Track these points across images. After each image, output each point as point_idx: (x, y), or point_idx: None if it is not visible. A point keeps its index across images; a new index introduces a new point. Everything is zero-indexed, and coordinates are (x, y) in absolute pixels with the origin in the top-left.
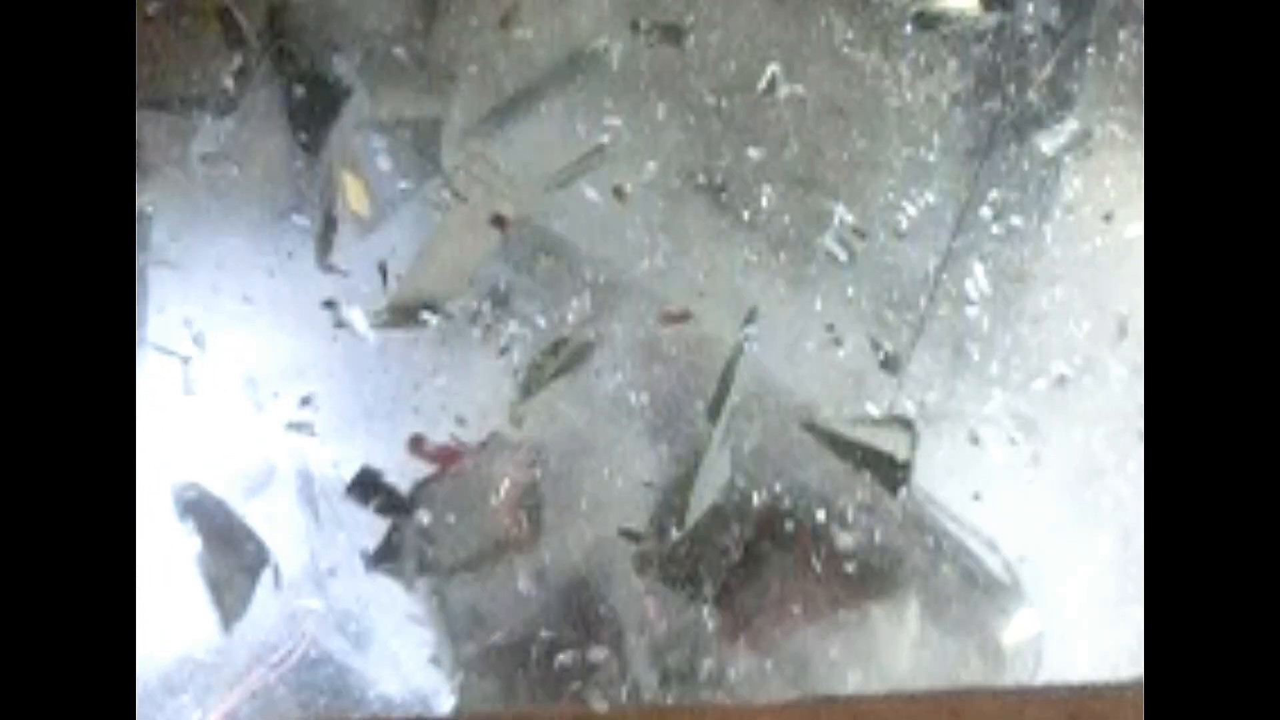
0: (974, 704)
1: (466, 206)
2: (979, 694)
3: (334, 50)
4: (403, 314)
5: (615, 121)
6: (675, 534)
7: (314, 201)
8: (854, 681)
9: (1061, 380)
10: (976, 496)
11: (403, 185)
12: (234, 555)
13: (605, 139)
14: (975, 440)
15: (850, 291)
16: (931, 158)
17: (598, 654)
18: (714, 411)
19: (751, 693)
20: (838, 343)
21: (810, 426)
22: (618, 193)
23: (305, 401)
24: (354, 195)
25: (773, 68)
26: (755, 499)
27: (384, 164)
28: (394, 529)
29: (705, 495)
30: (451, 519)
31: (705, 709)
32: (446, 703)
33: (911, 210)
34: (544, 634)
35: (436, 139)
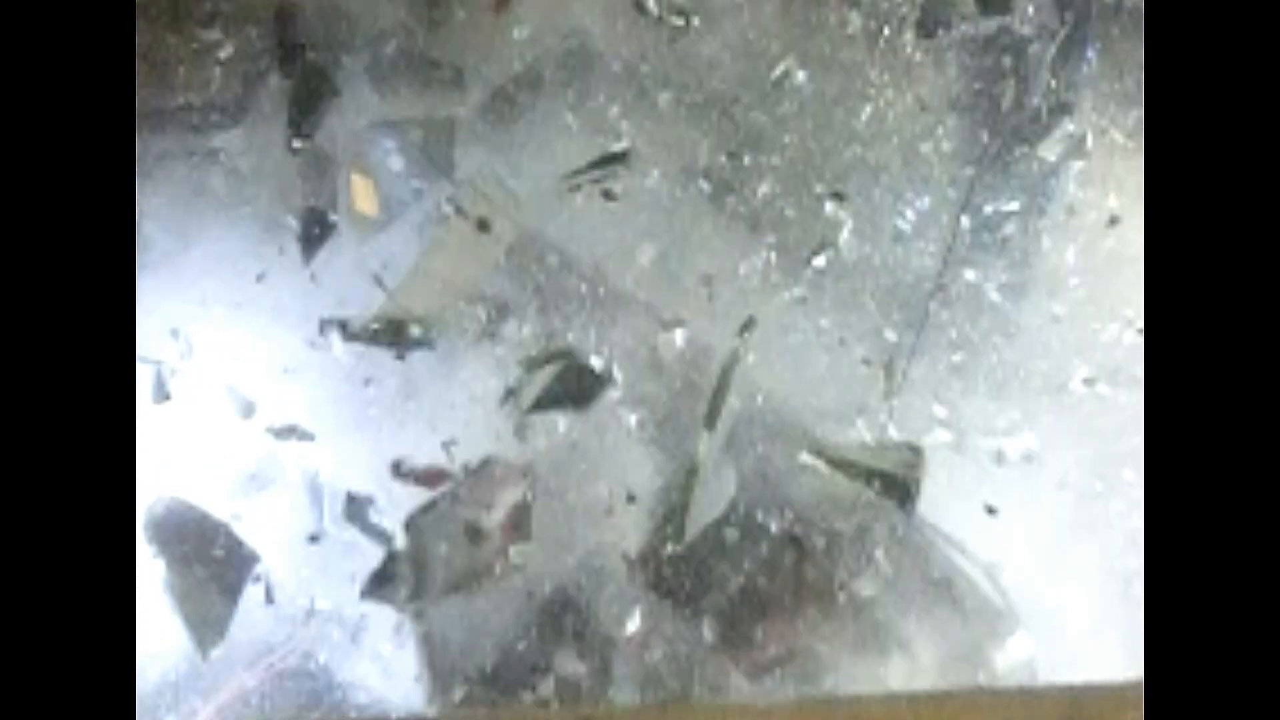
0: (974, 705)
1: (466, 222)
2: (979, 695)
3: (339, 50)
4: (394, 327)
5: (622, 124)
6: (671, 550)
7: (310, 204)
8: (852, 687)
9: (1070, 385)
10: (991, 510)
11: (415, 184)
12: (216, 565)
13: (619, 145)
14: (983, 452)
15: (852, 299)
16: (932, 161)
17: (591, 665)
18: (710, 421)
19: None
20: (843, 351)
21: (817, 450)
22: (610, 195)
23: (292, 410)
24: (362, 196)
25: (782, 66)
26: (755, 517)
27: (395, 164)
28: (388, 559)
29: (704, 512)
30: (443, 546)
31: (704, 710)
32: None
33: (911, 215)
34: (537, 648)
35: (444, 139)
